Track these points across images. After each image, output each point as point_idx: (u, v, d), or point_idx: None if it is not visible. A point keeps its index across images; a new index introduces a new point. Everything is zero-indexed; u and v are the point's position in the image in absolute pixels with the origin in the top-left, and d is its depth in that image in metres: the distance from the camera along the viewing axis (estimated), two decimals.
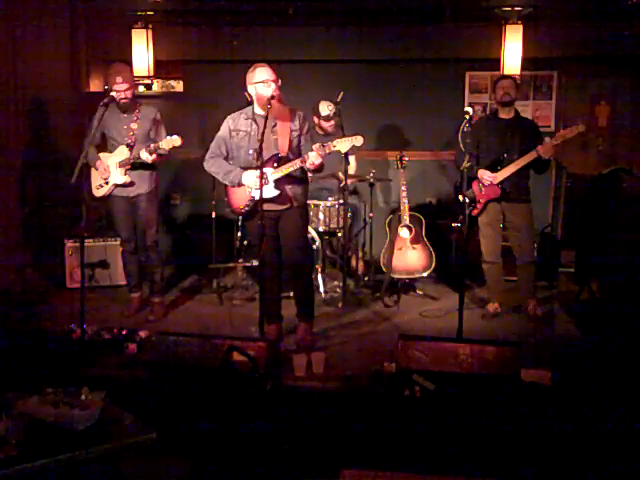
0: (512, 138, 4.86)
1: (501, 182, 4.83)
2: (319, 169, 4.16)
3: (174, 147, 4.57)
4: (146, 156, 4.63)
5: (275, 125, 4.16)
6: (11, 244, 5.47)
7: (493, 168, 4.85)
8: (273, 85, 4.04)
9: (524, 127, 4.95)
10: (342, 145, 4.09)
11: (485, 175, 4.84)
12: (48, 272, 5.75)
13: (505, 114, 4.93)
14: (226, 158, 4.29)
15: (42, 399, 2.64)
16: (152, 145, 4.64)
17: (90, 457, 2.44)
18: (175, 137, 4.55)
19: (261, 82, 4.07)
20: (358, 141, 4.12)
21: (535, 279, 5.13)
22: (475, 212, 4.95)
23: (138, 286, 5.21)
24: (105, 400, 2.70)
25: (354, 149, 4.54)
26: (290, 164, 4.11)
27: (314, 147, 4.05)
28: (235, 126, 4.24)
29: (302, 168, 4.16)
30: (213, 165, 4.30)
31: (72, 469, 2.43)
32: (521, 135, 4.86)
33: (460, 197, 4.69)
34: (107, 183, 4.86)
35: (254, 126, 4.13)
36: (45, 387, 2.73)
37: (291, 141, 4.18)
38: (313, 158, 4.02)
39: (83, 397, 2.67)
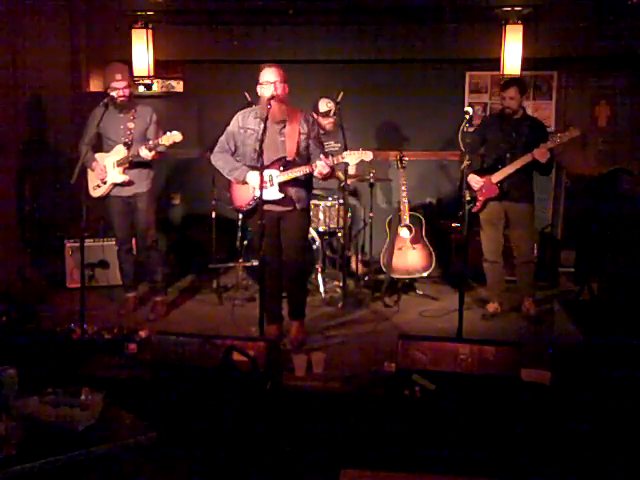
0: (517, 138, 4.84)
1: (500, 181, 4.83)
2: (326, 177, 4.17)
3: (174, 143, 4.55)
4: (145, 153, 4.62)
5: (284, 127, 4.16)
6: (11, 244, 5.46)
7: (494, 167, 4.85)
8: (272, 87, 4.04)
9: (531, 127, 4.92)
10: (351, 158, 4.13)
11: (473, 181, 4.85)
12: (48, 272, 5.74)
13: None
14: (234, 153, 4.30)
15: (42, 399, 2.63)
16: (151, 142, 4.63)
17: (90, 457, 2.43)
18: (175, 133, 4.54)
19: (260, 83, 4.08)
20: (367, 156, 4.15)
21: (534, 279, 5.13)
22: (475, 209, 4.95)
23: (133, 286, 5.21)
24: (105, 400, 2.69)
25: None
26: (297, 169, 4.11)
27: (322, 157, 4.06)
28: (244, 123, 4.24)
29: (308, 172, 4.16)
30: (220, 160, 4.30)
31: (72, 469, 2.42)
32: (527, 135, 4.84)
33: (466, 194, 4.69)
34: (105, 183, 4.85)
35: (262, 126, 4.11)
36: (45, 387, 2.73)
37: (299, 144, 4.18)
38: (321, 167, 4.04)
39: (83, 397, 2.66)
